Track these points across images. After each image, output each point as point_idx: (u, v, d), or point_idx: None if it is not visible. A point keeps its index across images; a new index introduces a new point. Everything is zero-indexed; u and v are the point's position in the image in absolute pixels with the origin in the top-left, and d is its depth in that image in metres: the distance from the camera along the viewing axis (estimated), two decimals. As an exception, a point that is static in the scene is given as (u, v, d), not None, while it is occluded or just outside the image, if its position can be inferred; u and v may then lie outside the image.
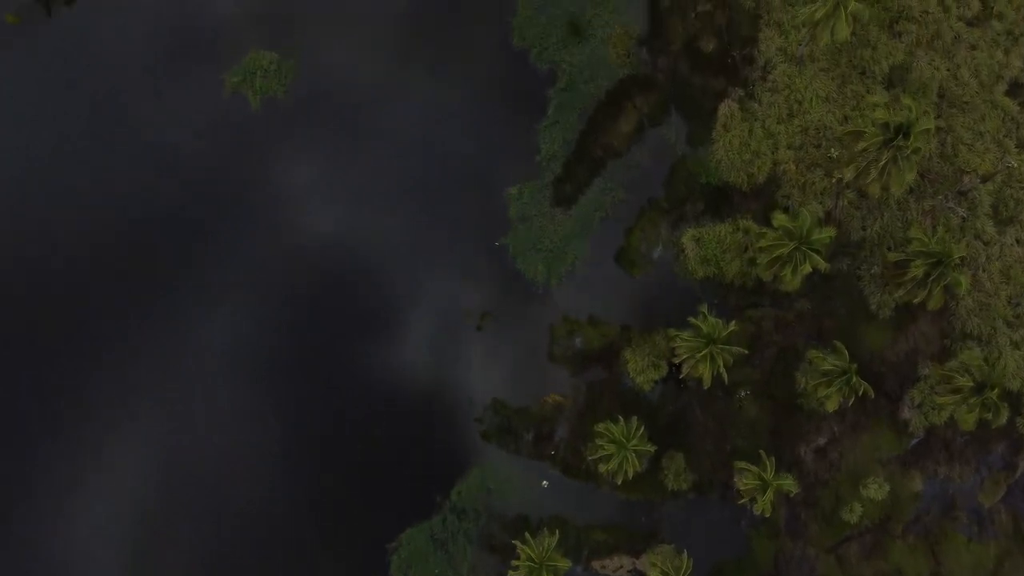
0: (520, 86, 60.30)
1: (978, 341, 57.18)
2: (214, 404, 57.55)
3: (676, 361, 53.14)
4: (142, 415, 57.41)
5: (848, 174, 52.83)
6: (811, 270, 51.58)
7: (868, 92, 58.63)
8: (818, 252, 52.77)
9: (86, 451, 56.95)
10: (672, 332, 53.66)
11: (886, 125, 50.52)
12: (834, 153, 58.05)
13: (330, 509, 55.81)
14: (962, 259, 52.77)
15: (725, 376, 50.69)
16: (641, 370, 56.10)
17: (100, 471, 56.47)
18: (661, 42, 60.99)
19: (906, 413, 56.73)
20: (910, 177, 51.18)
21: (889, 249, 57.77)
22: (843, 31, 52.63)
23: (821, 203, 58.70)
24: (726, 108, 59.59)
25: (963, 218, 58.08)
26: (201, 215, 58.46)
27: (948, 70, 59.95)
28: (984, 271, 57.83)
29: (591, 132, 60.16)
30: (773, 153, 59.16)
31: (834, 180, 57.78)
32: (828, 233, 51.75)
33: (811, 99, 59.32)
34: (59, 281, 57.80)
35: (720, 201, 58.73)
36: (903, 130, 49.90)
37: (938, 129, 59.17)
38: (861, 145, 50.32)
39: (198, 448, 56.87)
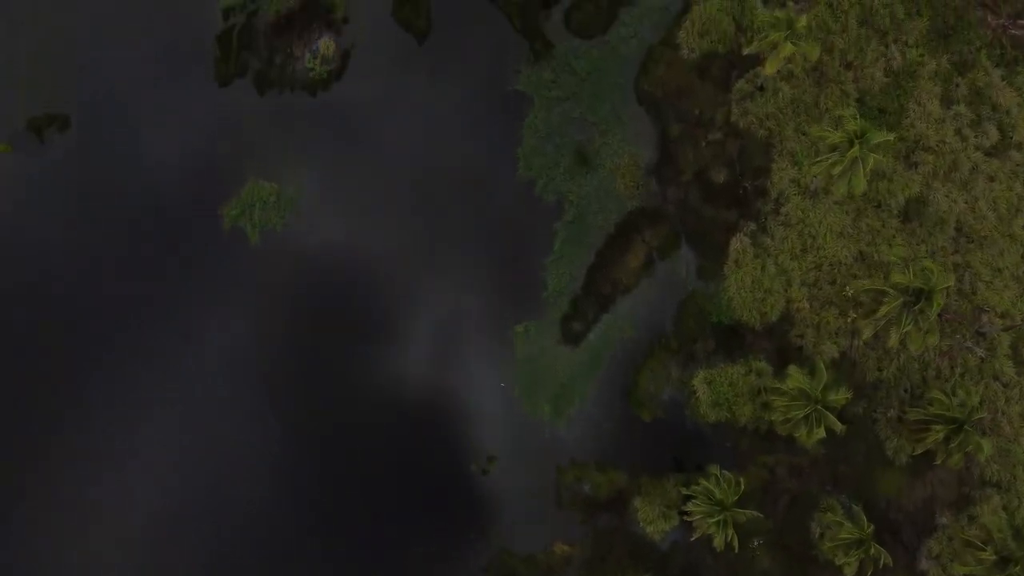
0: (526, 220, 59.49)
1: (997, 488, 55.85)
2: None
3: (688, 519, 51.92)
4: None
5: (866, 332, 51.71)
6: (824, 435, 50.37)
7: (886, 239, 56.95)
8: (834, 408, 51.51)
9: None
10: (684, 489, 52.42)
11: (906, 289, 49.33)
12: (849, 291, 56.99)
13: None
14: (982, 419, 51.49)
15: (736, 545, 49.48)
16: (652, 520, 55.31)
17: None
18: (671, 172, 60.16)
19: (924, 564, 55.62)
20: (932, 340, 50.13)
21: (906, 391, 56.59)
22: (860, 185, 51.72)
23: (835, 343, 57.52)
24: (737, 243, 58.74)
25: (981, 359, 57.15)
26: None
27: (966, 203, 59.02)
28: (1003, 415, 56.74)
29: (599, 267, 59.39)
30: (786, 290, 58.16)
31: (849, 320, 56.43)
32: (844, 395, 50.61)
33: (825, 234, 58.21)
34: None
35: (732, 340, 57.81)
36: (924, 295, 48.69)
37: (955, 266, 58.01)
38: (881, 311, 49.09)
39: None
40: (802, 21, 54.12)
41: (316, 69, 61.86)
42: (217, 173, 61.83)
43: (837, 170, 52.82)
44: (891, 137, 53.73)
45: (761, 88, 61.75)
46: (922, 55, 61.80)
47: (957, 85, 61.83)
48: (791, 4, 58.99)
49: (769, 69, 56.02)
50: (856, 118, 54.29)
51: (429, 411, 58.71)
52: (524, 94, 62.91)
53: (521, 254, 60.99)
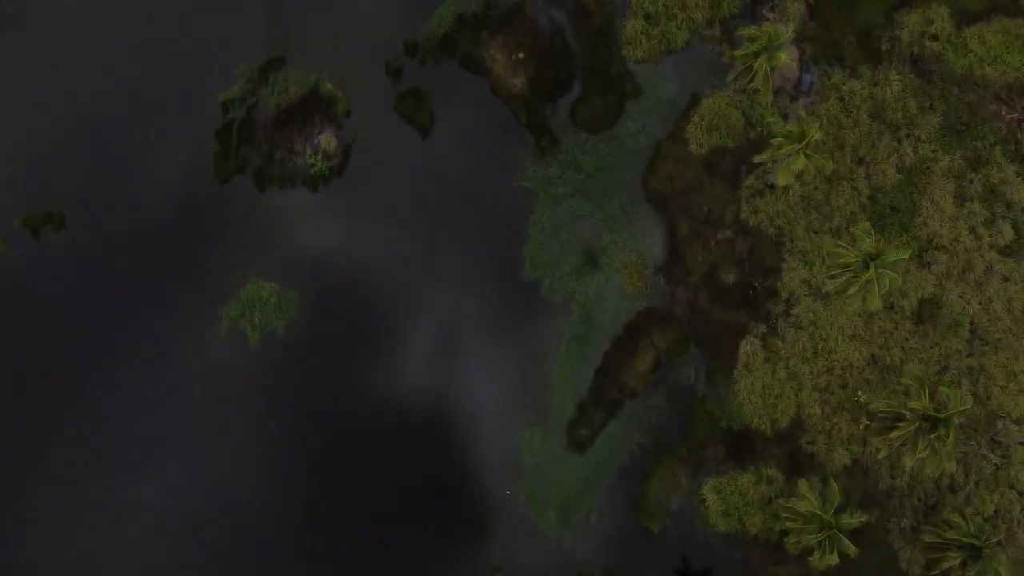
0: (532, 321, 58.11)
1: (1014, 601, 55.12)
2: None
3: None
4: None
5: (882, 451, 50.95)
6: (838, 560, 49.55)
7: (899, 342, 56.22)
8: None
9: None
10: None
11: (924, 415, 48.55)
12: (861, 398, 55.99)
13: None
14: (999, 542, 50.70)
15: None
16: (661, 635, 54.27)
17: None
18: (680, 272, 59.52)
19: None
20: (949, 467, 49.23)
21: (920, 500, 55.68)
22: (875, 303, 50.88)
23: (848, 450, 56.77)
24: (747, 347, 58.15)
25: (996, 467, 56.10)
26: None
27: (980, 304, 58.38)
28: (1019, 524, 55.91)
29: (606, 370, 59.00)
30: (797, 395, 57.61)
31: (861, 427, 55.59)
32: (859, 519, 49.71)
33: (836, 336, 57.36)
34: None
35: (742, 446, 57.43)
36: (943, 421, 47.88)
37: (970, 369, 57.05)
38: (896, 435, 48.27)
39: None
40: (815, 134, 53.22)
41: (317, 165, 61.11)
42: (217, 272, 60.40)
43: (852, 290, 51.90)
44: (907, 256, 52.81)
45: (771, 186, 60.81)
46: (935, 151, 61.10)
47: (971, 182, 61.20)
48: (803, 115, 57.66)
49: (781, 180, 55.41)
50: (871, 234, 53.48)
51: (438, 522, 57.80)
52: (529, 190, 61.50)
53: (527, 357, 60.40)
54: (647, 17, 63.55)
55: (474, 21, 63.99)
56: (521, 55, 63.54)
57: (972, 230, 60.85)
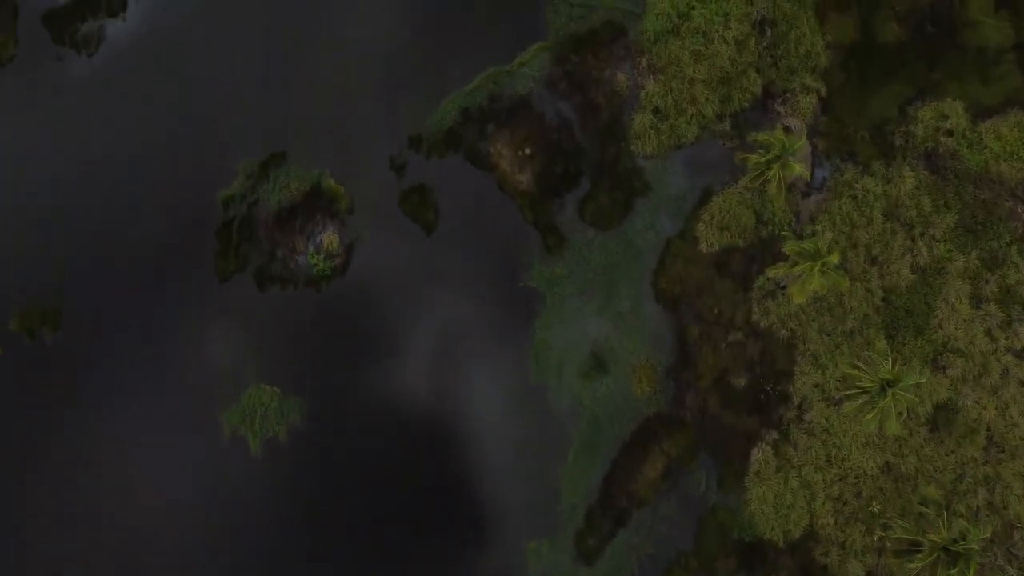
0: (539, 427, 57.35)
1: None
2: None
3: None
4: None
5: (898, 576, 50.36)
6: None
7: (914, 449, 55.09)
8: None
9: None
10: None
11: (944, 548, 47.71)
12: (876, 507, 55.12)
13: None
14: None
15: None
16: None
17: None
18: (690, 376, 58.96)
19: None
20: (968, 593, 48.47)
21: (935, 613, 54.72)
22: (893, 428, 49.84)
23: (861, 561, 56.11)
24: (759, 454, 57.60)
25: (1014, 580, 55.25)
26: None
27: (996, 409, 58.01)
28: (1037, 639, 54.79)
29: (615, 478, 58.94)
30: (810, 504, 57.26)
31: (875, 538, 54.59)
32: (875, 643, 49.27)
33: (850, 444, 56.41)
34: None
35: (754, 558, 57.57)
36: (961, 556, 47.01)
37: (986, 478, 56.24)
38: (914, 566, 47.33)
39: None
40: (834, 257, 52.15)
41: (319, 265, 60.49)
42: (217, 375, 59.37)
43: (869, 417, 50.93)
44: (925, 378, 51.84)
45: (782, 287, 59.74)
46: (950, 251, 60.47)
47: (987, 282, 60.72)
48: (820, 232, 56.68)
49: (797, 298, 54.26)
50: (887, 356, 52.44)
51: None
52: (536, 290, 60.46)
53: (534, 464, 59.90)
54: (656, 111, 62.89)
55: (479, 115, 63.33)
56: (527, 150, 62.72)
57: (988, 332, 60.21)
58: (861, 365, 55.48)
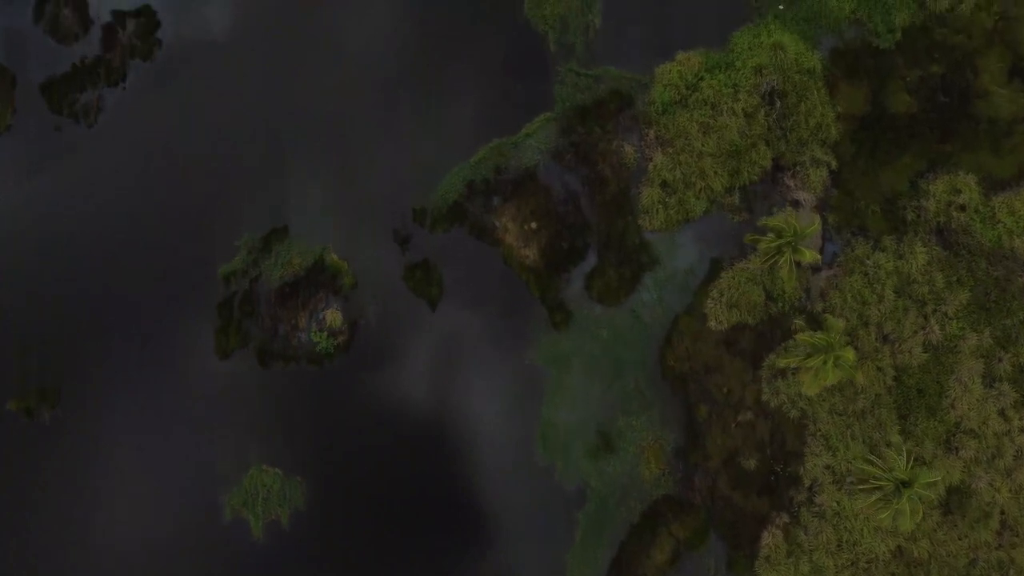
0: (546, 508, 57.44)
1: None
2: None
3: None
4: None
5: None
6: None
7: (926, 533, 54.29)
8: None
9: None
10: None
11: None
12: (887, 594, 54.32)
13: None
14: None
15: None
16: None
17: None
18: (699, 456, 58.87)
19: None
20: None
21: None
22: (907, 526, 48.98)
23: (874, 650, 55.02)
24: (769, 538, 56.75)
25: (1028, 667, 54.34)
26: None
27: (1010, 492, 57.61)
28: None
29: (623, 561, 60.46)
30: (822, 591, 55.70)
31: (887, 628, 54.02)
32: None
33: (861, 528, 55.75)
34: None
35: None
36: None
37: (999, 562, 55.68)
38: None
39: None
40: (849, 353, 51.28)
41: (322, 343, 59.86)
42: (217, 457, 58.65)
43: (884, 515, 50.13)
44: (939, 477, 51.04)
45: (794, 370, 58.99)
46: (963, 328, 59.89)
47: (1000, 361, 60.19)
48: (832, 319, 55.80)
49: (809, 390, 53.53)
50: (902, 452, 51.72)
51: None
52: (542, 368, 59.78)
53: (541, 545, 59.38)
54: (664, 185, 62.36)
55: (485, 187, 62.78)
56: (533, 225, 62.14)
57: (1001, 413, 59.80)
58: (875, 460, 54.66)
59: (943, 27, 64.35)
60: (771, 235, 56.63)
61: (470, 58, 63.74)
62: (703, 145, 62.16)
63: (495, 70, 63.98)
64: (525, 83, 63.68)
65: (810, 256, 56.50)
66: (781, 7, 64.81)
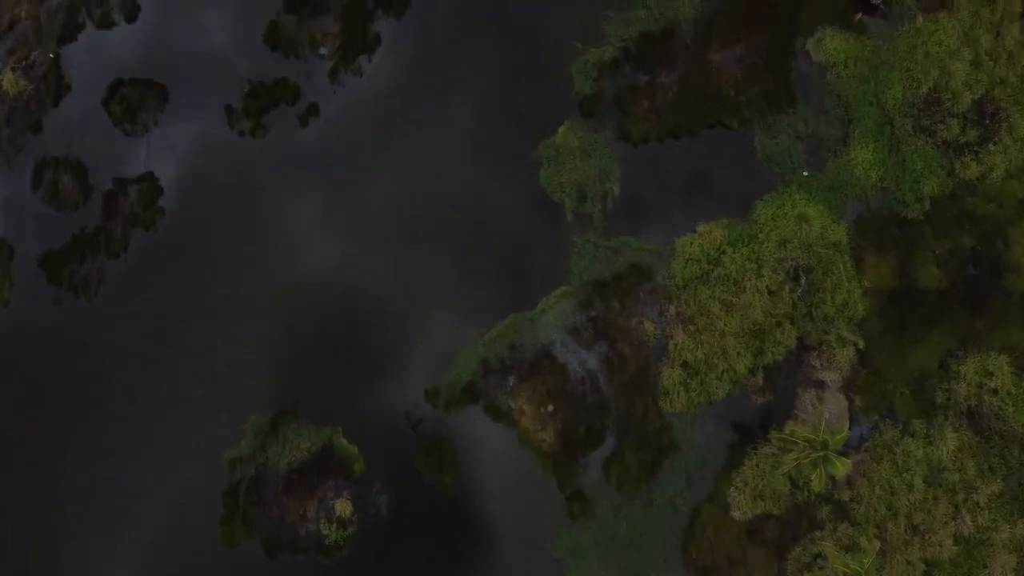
0: None
1: None
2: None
3: None
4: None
5: None
6: None
7: None
8: None
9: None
10: None
11: None
12: None
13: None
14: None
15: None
16: None
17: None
18: None
19: None
20: None
21: None
22: None
23: None
24: None
25: None
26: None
27: None
28: None
29: None
30: None
31: None
32: None
33: None
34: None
35: None
36: None
37: None
38: None
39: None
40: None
41: (332, 535, 58.25)
42: (223, 655, 57.47)
43: None
44: None
45: (821, 556, 57.24)
46: (995, 520, 58.44)
47: (1034, 553, 57.86)
48: (867, 543, 54.27)
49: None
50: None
51: None
52: (561, 561, 58.37)
53: None
54: (685, 366, 60.59)
55: (500, 366, 61.71)
56: (550, 407, 60.77)
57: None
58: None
59: (973, 196, 63.26)
60: (800, 443, 55.07)
61: (484, 232, 62.53)
62: (726, 325, 60.74)
63: (510, 243, 62.57)
64: (541, 255, 62.32)
65: (843, 467, 54.96)
66: (805, 173, 63.31)
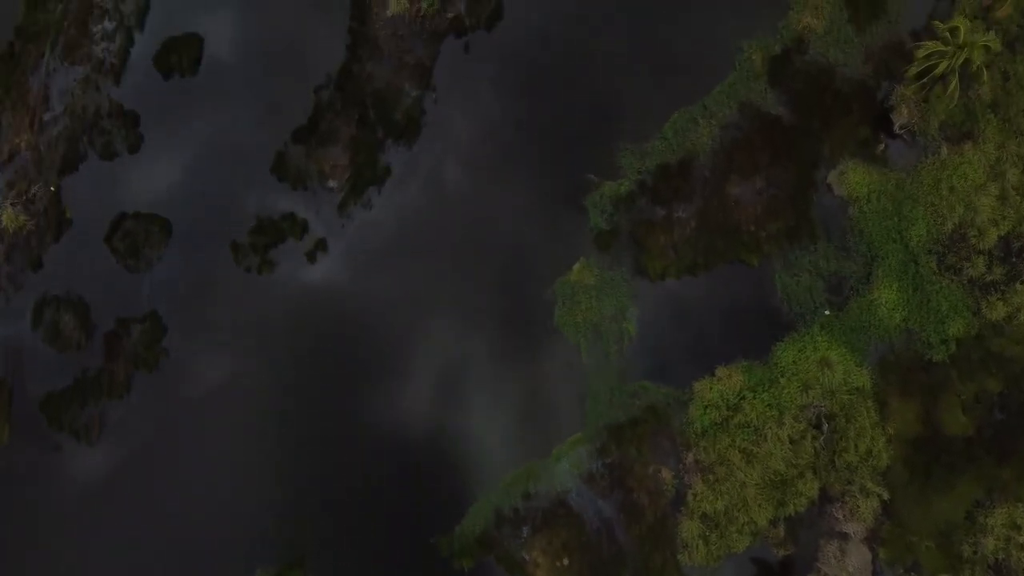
0: None
1: None
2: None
3: None
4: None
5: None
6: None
7: None
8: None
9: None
10: None
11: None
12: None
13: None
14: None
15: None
16: None
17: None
18: None
19: None
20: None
21: None
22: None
23: None
24: None
25: None
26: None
27: None
28: None
29: None
30: None
31: None
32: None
33: None
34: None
35: None
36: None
37: None
38: None
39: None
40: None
41: None
42: None
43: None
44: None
45: None
46: None
47: None
48: None
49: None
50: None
51: None
52: None
53: None
54: (705, 518, 59.03)
55: (514, 516, 60.62)
56: (566, 560, 59.52)
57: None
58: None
59: (1000, 337, 62.02)
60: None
61: (500, 377, 61.34)
62: (747, 475, 59.49)
63: (524, 389, 61.14)
64: (557, 402, 60.77)
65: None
66: (827, 312, 61.73)
